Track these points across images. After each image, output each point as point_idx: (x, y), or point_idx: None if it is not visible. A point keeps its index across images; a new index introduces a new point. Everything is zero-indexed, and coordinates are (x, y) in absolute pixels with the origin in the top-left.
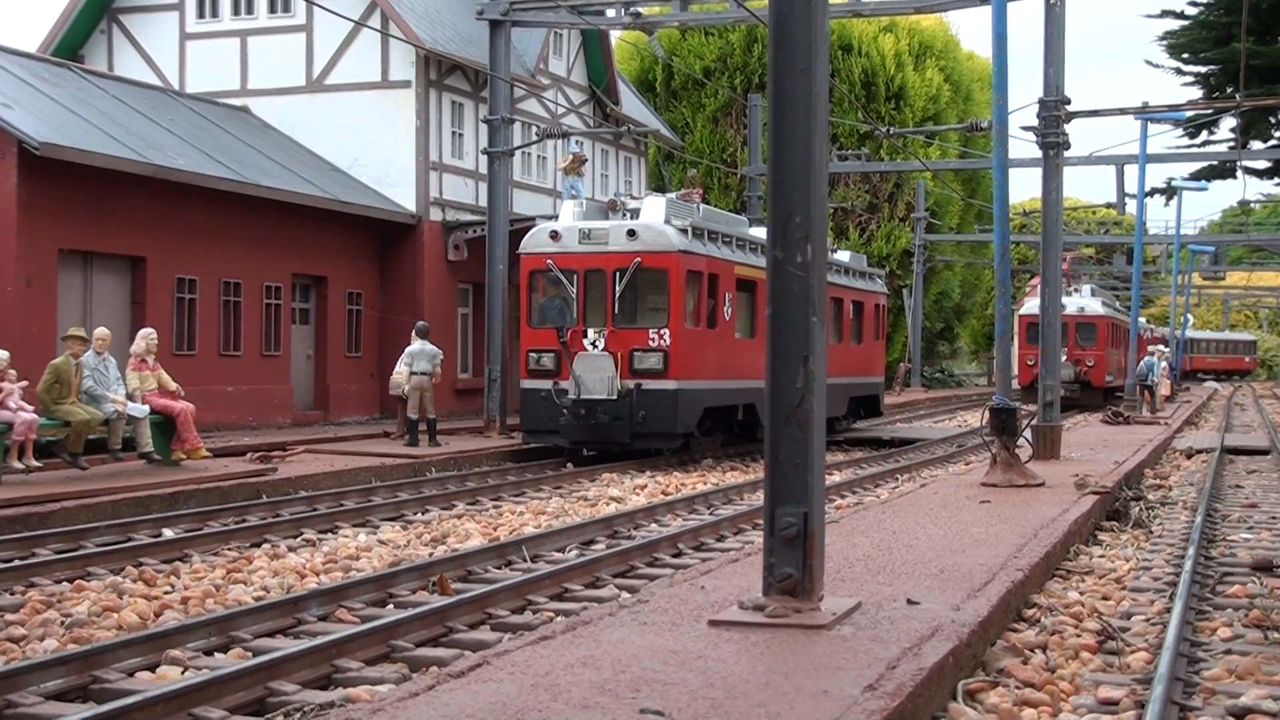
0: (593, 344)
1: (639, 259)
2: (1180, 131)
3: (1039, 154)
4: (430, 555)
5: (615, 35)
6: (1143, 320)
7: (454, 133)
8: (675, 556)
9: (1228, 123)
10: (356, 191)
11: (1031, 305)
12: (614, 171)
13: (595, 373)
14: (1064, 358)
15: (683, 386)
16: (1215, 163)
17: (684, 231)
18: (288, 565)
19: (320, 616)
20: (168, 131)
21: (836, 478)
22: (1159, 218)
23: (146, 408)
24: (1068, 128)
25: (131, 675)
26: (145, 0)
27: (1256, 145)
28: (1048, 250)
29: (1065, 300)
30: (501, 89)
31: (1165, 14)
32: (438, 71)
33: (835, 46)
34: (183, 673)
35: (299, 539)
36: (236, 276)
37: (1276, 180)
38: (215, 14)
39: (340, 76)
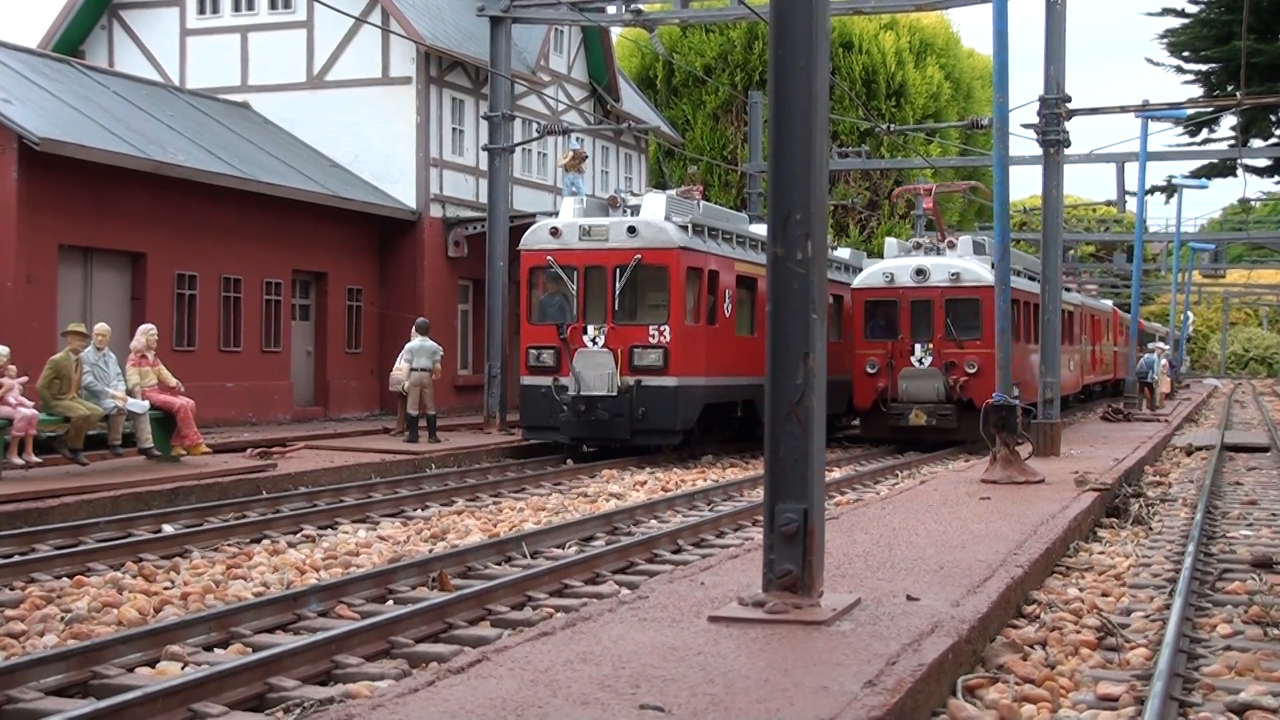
0: (593, 340)
1: (639, 256)
2: (1181, 129)
3: (1039, 151)
4: (430, 551)
5: (616, 32)
6: (1107, 303)
7: (454, 129)
8: (675, 553)
9: (1228, 121)
10: (357, 188)
11: (874, 270)
12: (614, 168)
13: (595, 369)
14: (929, 359)
15: (683, 383)
16: (1216, 161)
17: (684, 228)
18: (287, 561)
19: (320, 612)
20: (168, 127)
21: (836, 474)
22: (1159, 215)
23: (146, 403)
24: (1068, 125)
25: (131, 671)
26: None
27: (1257, 143)
28: (1048, 248)
29: (925, 260)
30: (502, 85)
31: (1166, 12)
32: (438, 68)
33: (836, 44)
34: (182, 668)
35: (299, 535)
36: (236, 272)
37: (1277, 178)
38: (216, 10)
39: (341, 73)
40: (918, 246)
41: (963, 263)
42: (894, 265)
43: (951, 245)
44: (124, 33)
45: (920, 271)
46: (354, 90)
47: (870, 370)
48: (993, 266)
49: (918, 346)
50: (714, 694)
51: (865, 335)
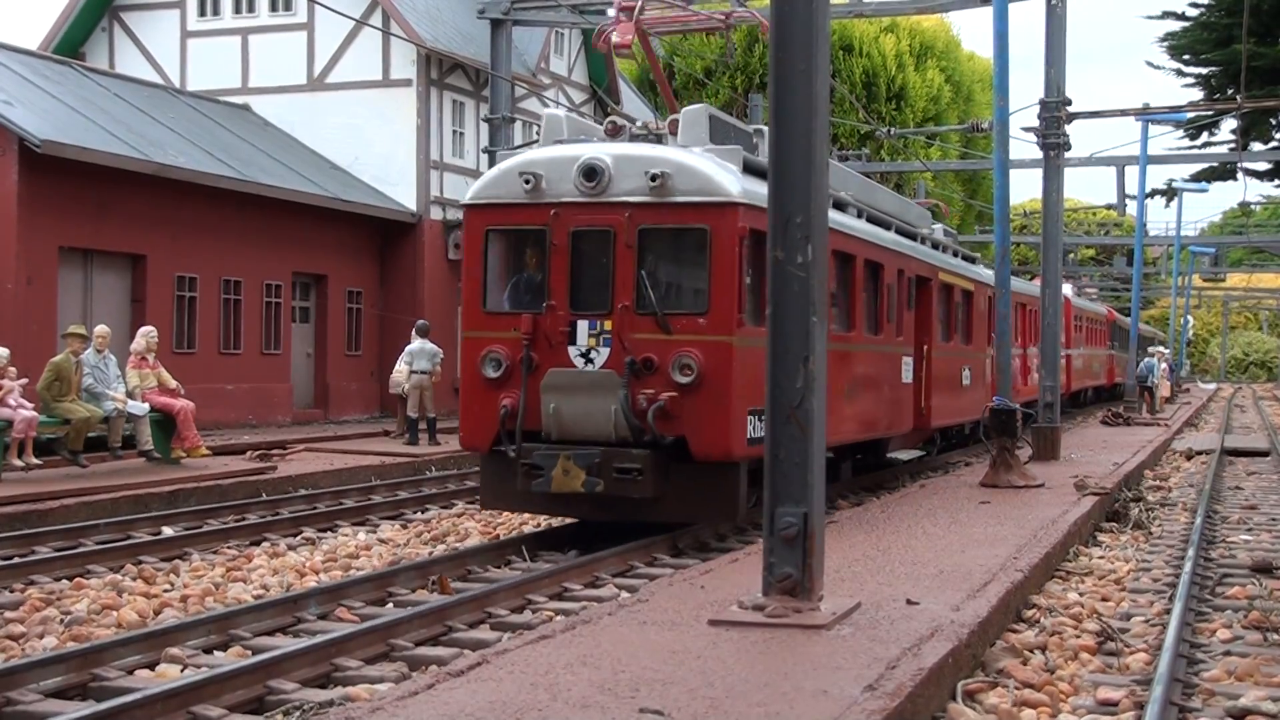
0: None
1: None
2: (1181, 133)
3: (1040, 155)
4: (430, 554)
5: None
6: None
7: (455, 131)
8: (675, 556)
9: (1228, 124)
10: (357, 190)
11: (506, 170)
12: None
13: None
14: (602, 353)
15: None
16: (1216, 164)
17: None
18: (287, 564)
19: (320, 615)
20: (169, 129)
21: None
22: (1159, 219)
23: (146, 406)
24: (1068, 128)
25: (131, 673)
26: None
27: (1257, 147)
28: (1048, 251)
29: (601, 151)
30: (502, 88)
31: (1166, 15)
32: (439, 70)
33: (836, 47)
34: (182, 671)
35: (298, 537)
36: (237, 275)
37: (1277, 182)
38: (216, 12)
39: (341, 75)
40: (615, 130)
41: (680, 157)
42: (543, 159)
43: (673, 131)
44: (125, 35)
45: (592, 173)
46: (354, 92)
47: (490, 373)
48: (747, 171)
49: (582, 326)
50: (713, 697)
51: (485, 301)
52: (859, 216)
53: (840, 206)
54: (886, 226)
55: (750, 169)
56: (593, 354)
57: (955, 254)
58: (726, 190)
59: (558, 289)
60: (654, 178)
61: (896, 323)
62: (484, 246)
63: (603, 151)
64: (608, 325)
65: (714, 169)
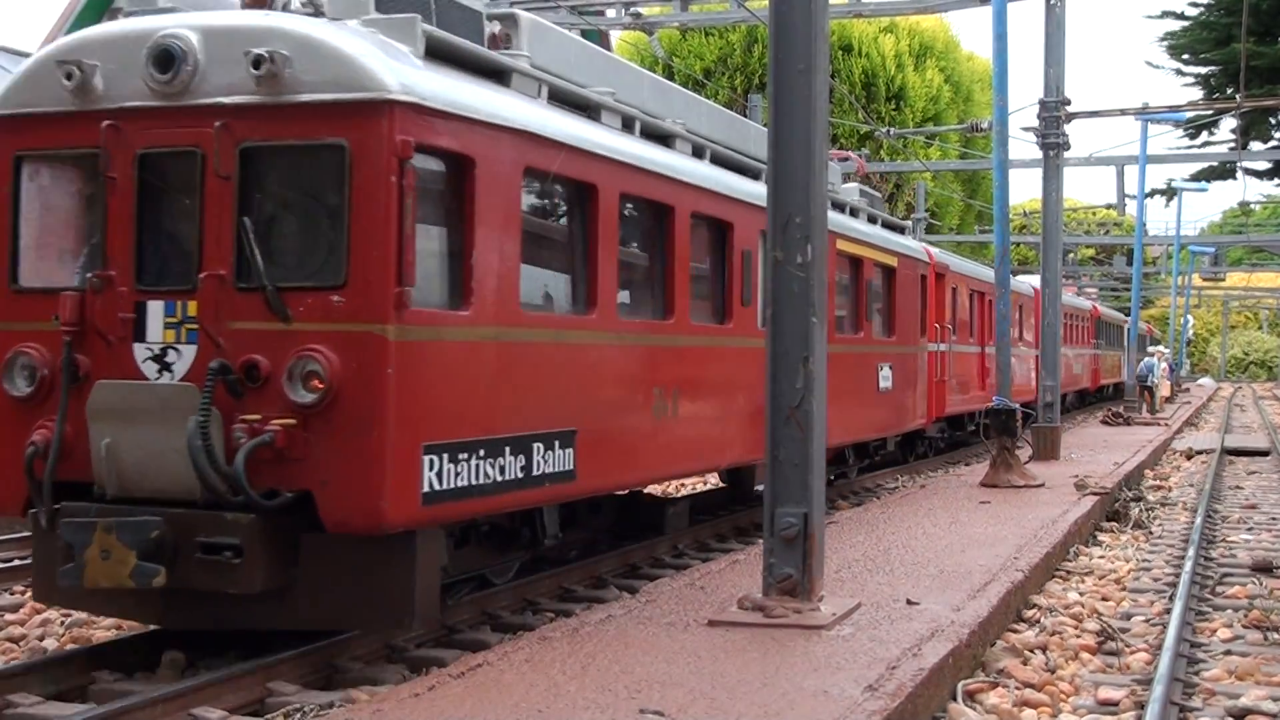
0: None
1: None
2: (1180, 132)
3: (1039, 155)
4: None
5: (615, 35)
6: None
7: None
8: (676, 557)
9: (1228, 124)
10: None
11: (41, 61)
12: None
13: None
14: (185, 356)
15: None
16: (1215, 164)
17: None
18: None
19: None
20: None
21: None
22: (1159, 219)
23: None
24: (1068, 128)
25: (131, 676)
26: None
27: (1257, 146)
28: (1048, 251)
29: (186, 24)
30: None
31: (1165, 15)
32: None
33: (835, 47)
34: (182, 673)
35: None
36: None
37: (1277, 181)
38: None
39: None
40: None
41: (303, 28)
42: (96, 40)
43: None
44: None
45: (166, 59)
46: None
47: (20, 388)
48: (435, 56)
49: (154, 310)
50: (714, 698)
51: (15, 272)
52: (699, 156)
53: (658, 137)
54: (749, 173)
55: (442, 54)
56: (170, 355)
57: (873, 220)
58: (378, 81)
59: (117, 250)
60: (258, 63)
61: (758, 307)
62: (14, 184)
63: (186, 24)
64: (193, 308)
65: (358, 47)
